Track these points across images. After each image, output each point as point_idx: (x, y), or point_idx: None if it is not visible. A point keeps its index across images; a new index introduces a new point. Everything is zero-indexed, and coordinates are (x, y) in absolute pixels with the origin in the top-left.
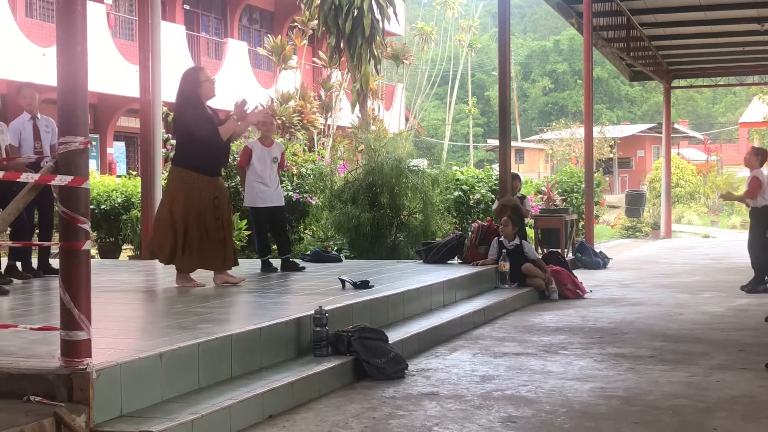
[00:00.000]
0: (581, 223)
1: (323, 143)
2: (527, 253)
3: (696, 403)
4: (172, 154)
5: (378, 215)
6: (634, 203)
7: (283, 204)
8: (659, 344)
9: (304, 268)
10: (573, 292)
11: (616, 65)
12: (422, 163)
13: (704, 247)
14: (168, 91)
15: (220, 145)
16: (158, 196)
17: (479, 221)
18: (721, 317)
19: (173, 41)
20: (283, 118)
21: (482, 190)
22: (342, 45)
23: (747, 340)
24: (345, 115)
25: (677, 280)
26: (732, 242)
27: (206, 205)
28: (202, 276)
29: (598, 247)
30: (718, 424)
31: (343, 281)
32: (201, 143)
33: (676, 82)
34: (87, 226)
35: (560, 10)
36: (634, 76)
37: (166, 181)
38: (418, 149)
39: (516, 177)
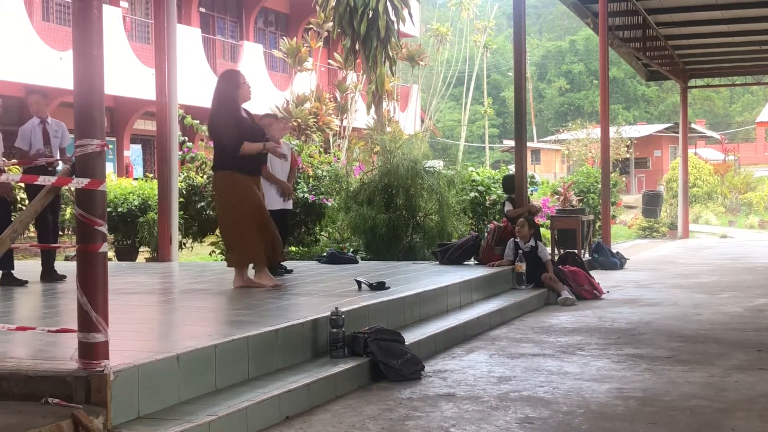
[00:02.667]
0: (598, 224)
1: (339, 145)
2: (541, 254)
3: (714, 403)
4: (189, 157)
5: (394, 216)
6: (651, 203)
7: (291, 207)
8: (677, 345)
9: (291, 270)
10: (590, 293)
11: (632, 65)
12: (438, 164)
13: (722, 247)
14: (184, 93)
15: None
16: (175, 198)
17: (495, 222)
18: (739, 317)
19: (189, 44)
20: (299, 120)
21: (498, 191)
22: (357, 47)
23: (765, 341)
24: (360, 116)
25: (694, 280)
26: (750, 242)
27: (260, 201)
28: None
29: (615, 247)
30: (736, 425)
31: (359, 282)
32: (234, 144)
33: (692, 82)
34: (104, 228)
35: (576, 10)
36: (651, 76)
37: (213, 189)
38: (434, 150)
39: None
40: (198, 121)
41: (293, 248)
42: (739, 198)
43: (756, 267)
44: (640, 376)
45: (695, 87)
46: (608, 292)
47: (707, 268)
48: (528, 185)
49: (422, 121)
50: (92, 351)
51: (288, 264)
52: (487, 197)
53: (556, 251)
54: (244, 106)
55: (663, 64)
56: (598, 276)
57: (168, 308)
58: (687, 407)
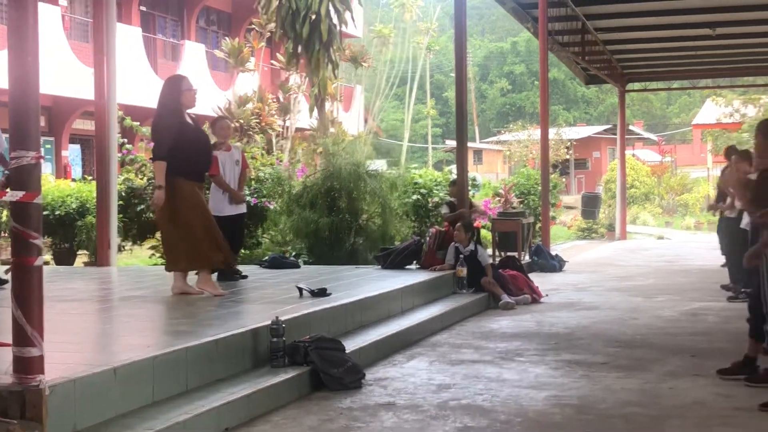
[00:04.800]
0: (538, 225)
1: (282, 146)
2: (481, 258)
3: (649, 410)
4: (128, 159)
5: (336, 220)
6: (590, 205)
7: (245, 210)
8: (613, 350)
9: (246, 276)
10: (530, 297)
11: (571, 69)
12: (381, 164)
13: (659, 248)
14: (124, 93)
15: (200, 151)
16: (114, 201)
17: (437, 227)
18: (674, 322)
19: (129, 43)
20: (241, 121)
21: (440, 194)
22: (299, 50)
23: (700, 346)
24: (303, 117)
25: (631, 283)
26: (686, 243)
27: (205, 206)
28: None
29: (555, 249)
30: None
31: (300, 289)
32: (182, 151)
33: (630, 86)
34: (39, 242)
35: (516, 14)
36: (590, 80)
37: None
38: (378, 151)
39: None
40: (138, 123)
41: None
42: (675, 199)
43: (691, 269)
44: (577, 382)
45: (633, 91)
46: (547, 295)
47: (644, 271)
48: (470, 187)
49: (366, 121)
50: (27, 365)
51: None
52: (429, 200)
53: (498, 253)
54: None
55: (601, 68)
56: (538, 279)
57: (106, 317)
58: (622, 415)
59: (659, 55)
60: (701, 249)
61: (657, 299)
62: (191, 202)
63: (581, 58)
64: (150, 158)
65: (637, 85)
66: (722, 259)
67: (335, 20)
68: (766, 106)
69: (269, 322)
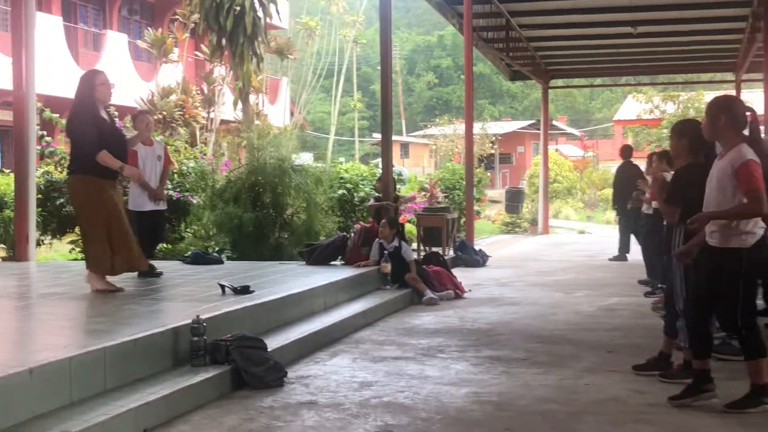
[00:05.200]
0: (463, 220)
1: (206, 139)
2: (405, 254)
3: (566, 407)
4: (48, 151)
5: (261, 215)
6: (514, 200)
7: (166, 207)
8: (533, 346)
9: (161, 273)
10: (453, 292)
11: (496, 65)
12: (308, 158)
13: (580, 243)
14: (44, 84)
15: (114, 146)
16: (33, 194)
17: (362, 223)
18: (591, 317)
19: (49, 33)
20: (164, 113)
21: (366, 189)
22: (224, 43)
23: (616, 341)
24: (228, 109)
25: (552, 278)
26: (606, 238)
27: (119, 207)
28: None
29: (479, 244)
30: (586, 430)
31: (222, 287)
32: (92, 148)
33: (553, 82)
34: None
35: (441, 10)
36: (514, 76)
37: (69, 192)
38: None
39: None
40: (57, 115)
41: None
42: (597, 194)
43: (610, 265)
44: (497, 379)
45: (556, 87)
46: (470, 290)
47: (565, 266)
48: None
49: (292, 114)
50: None
51: (152, 263)
52: (355, 194)
53: (423, 248)
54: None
55: (525, 64)
56: (462, 274)
57: (23, 315)
58: (540, 411)
59: (582, 52)
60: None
61: (576, 294)
62: (98, 202)
63: (505, 54)
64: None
65: (560, 82)
66: (613, 252)
67: (260, 13)
68: (685, 103)
69: (190, 320)
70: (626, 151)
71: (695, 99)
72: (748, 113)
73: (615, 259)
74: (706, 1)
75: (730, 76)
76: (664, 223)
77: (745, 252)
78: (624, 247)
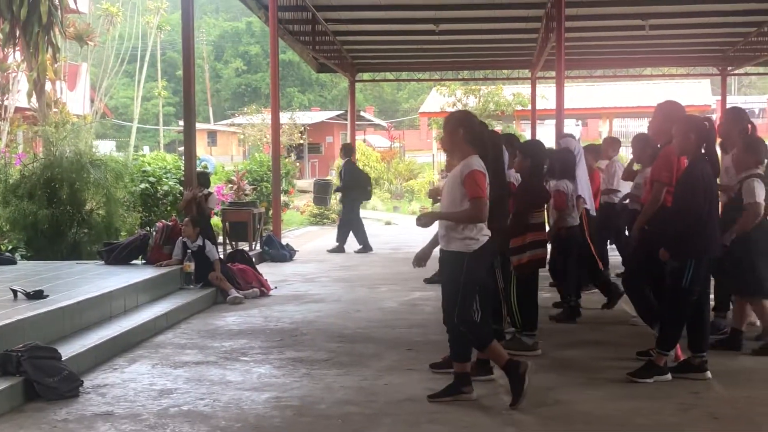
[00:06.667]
0: (271, 212)
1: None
2: (209, 253)
3: (364, 409)
4: None
5: (57, 212)
6: (322, 192)
7: None
8: (336, 345)
9: None
10: (258, 290)
11: (303, 57)
12: (110, 146)
13: (386, 235)
14: None
15: None
16: None
17: (164, 221)
18: (393, 313)
19: None
20: None
21: (170, 182)
22: (17, 32)
23: (416, 338)
24: (24, 96)
25: (357, 272)
26: (411, 229)
27: None
28: None
29: (287, 236)
30: None
31: (14, 291)
32: None
33: (360, 75)
34: None
35: (246, 2)
36: (321, 68)
37: None
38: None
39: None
40: None
41: None
42: (403, 185)
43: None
44: (299, 382)
45: (362, 81)
46: (276, 287)
47: (370, 259)
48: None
49: (92, 101)
50: None
51: None
52: (159, 188)
53: (228, 242)
54: None
55: (331, 57)
56: (268, 269)
57: None
58: (340, 415)
59: (388, 47)
60: (424, 235)
61: (380, 289)
62: None
63: (312, 47)
64: None
65: (366, 75)
66: (416, 245)
67: (56, 1)
68: (485, 97)
69: None
70: (347, 150)
71: (495, 93)
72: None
73: (334, 251)
74: (503, 2)
75: (526, 72)
76: None
77: (468, 256)
78: (343, 239)
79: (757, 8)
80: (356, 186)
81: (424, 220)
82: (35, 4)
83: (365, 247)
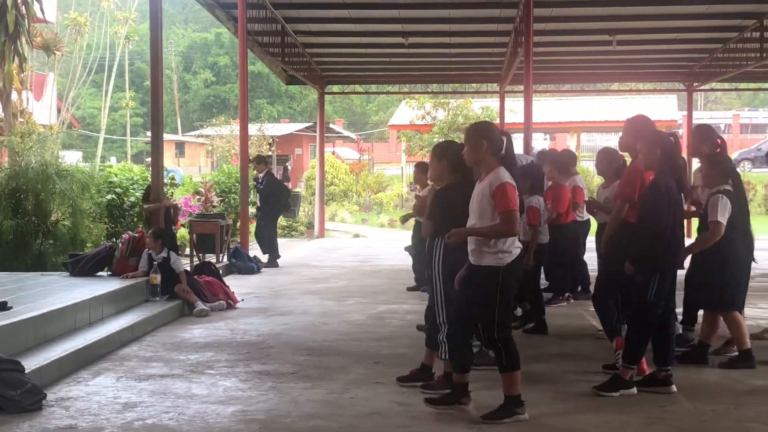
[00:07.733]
0: (238, 224)
1: None
2: (174, 265)
3: (331, 423)
4: None
5: (22, 222)
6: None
7: None
8: (303, 358)
9: None
10: (225, 303)
11: (272, 69)
12: (77, 156)
13: (354, 247)
14: None
15: None
16: None
17: (130, 232)
18: (361, 326)
19: None
20: None
21: (137, 194)
22: None
23: (383, 351)
24: None
25: (325, 285)
26: (380, 242)
27: None
28: None
29: (254, 248)
30: None
31: None
32: None
33: (329, 88)
34: None
35: (215, 13)
36: (290, 80)
37: None
38: (73, 142)
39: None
40: None
41: None
42: (372, 197)
43: (382, 270)
44: (265, 395)
45: (331, 93)
46: (243, 300)
47: (338, 272)
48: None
49: (59, 111)
50: None
51: None
52: (125, 199)
53: (195, 254)
54: None
55: (301, 69)
56: (235, 282)
57: None
58: (306, 428)
59: (357, 60)
60: (392, 248)
61: (348, 302)
62: None
63: (281, 60)
64: None
65: (335, 87)
66: (385, 258)
67: (23, 11)
68: (454, 110)
69: None
70: (262, 161)
71: (463, 107)
72: (503, 137)
73: (269, 265)
74: (472, 16)
75: (495, 86)
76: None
77: (502, 270)
78: (270, 250)
79: (723, 25)
80: (277, 198)
81: (454, 239)
82: (1, 13)
83: (272, 262)
